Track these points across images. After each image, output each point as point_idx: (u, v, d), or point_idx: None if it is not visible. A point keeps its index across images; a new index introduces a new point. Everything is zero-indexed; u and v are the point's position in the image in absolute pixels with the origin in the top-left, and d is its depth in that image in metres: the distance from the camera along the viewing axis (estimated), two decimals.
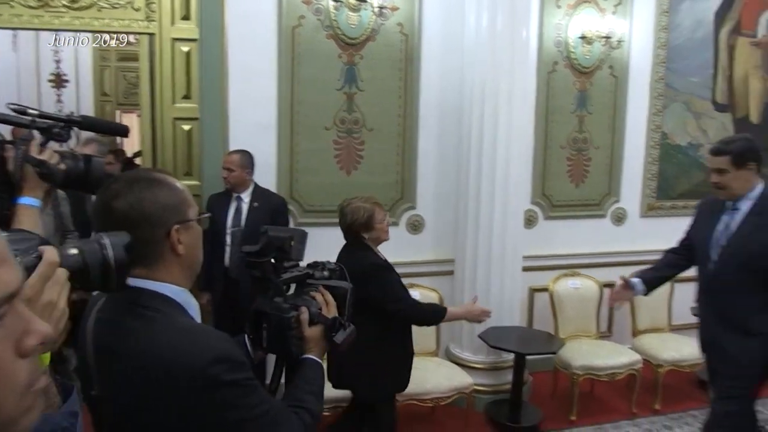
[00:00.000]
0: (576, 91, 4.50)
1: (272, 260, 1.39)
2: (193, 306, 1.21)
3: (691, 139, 4.92)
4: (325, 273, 1.52)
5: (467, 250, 3.92)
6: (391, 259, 3.62)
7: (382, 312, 2.74)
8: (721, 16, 4.89)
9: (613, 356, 3.93)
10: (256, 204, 3.59)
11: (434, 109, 4.12)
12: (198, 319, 1.22)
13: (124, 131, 1.77)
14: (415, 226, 4.19)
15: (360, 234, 2.84)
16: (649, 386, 4.04)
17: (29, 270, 0.73)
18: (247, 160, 3.59)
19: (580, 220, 4.59)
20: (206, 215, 1.28)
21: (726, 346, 2.66)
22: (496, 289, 3.88)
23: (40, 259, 0.75)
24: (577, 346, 4.03)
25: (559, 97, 4.45)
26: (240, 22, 3.70)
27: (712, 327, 2.76)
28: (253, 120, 3.78)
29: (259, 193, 3.64)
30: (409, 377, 2.96)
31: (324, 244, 4.08)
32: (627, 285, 2.94)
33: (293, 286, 1.47)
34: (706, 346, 2.85)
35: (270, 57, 3.78)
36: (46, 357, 0.73)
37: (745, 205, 2.64)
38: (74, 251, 0.85)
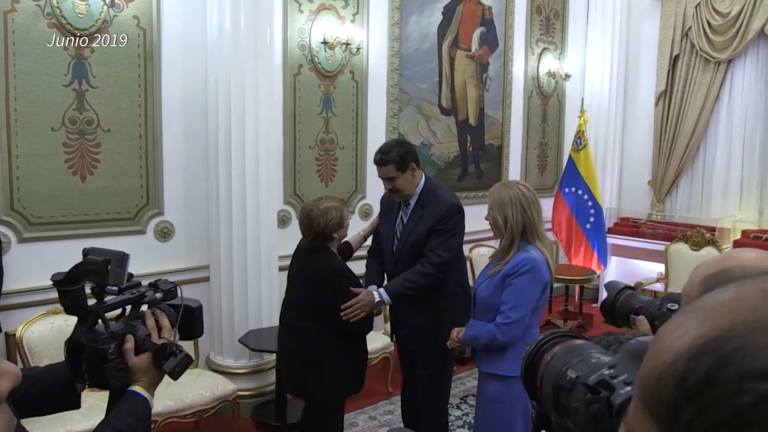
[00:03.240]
0: (321, 94, 4.71)
1: (93, 285, 1.29)
2: None
3: (423, 140, 5.50)
4: (158, 295, 1.41)
5: (221, 255, 3.86)
6: (138, 270, 3.40)
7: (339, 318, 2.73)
8: (442, 30, 5.56)
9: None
10: None
11: (179, 108, 3.96)
12: None
13: None
14: (164, 233, 3.98)
15: (332, 235, 2.76)
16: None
17: None
18: None
19: None
20: None
21: (412, 323, 3.00)
22: (253, 292, 3.89)
23: None
24: None
25: (305, 99, 4.62)
26: None
27: (400, 310, 3.07)
28: None
29: None
30: (364, 378, 2.97)
31: (58, 260, 3.68)
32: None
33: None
34: (398, 331, 3.17)
35: None
36: None
37: (413, 200, 3.00)
38: None
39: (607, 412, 0.59)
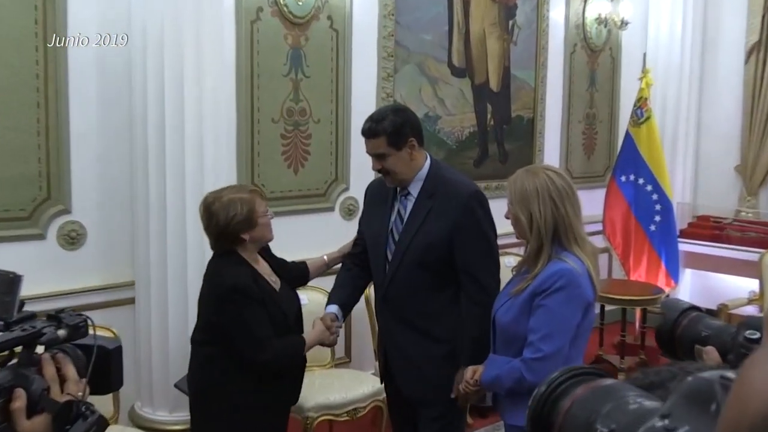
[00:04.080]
0: (288, 48, 4.67)
1: None
2: None
3: (428, 110, 5.47)
4: (61, 332, 1.36)
5: (152, 268, 3.83)
6: (36, 290, 3.38)
7: None
8: None
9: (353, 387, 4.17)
10: None
11: (92, 68, 3.94)
12: None
13: None
14: (72, 239, 3.94)
15: (240, 236, 2.78)
16: None
17: None
18: None
19: (303, 215, 4.79)
20: None
21: (414, 359, 2.98)
22: (194, 319, 3.83)
23: None
24: (308, 380, 4.19)
25: (267, 55, 4.58)
26: None
27: (396, 340, 3.07)
28: None
29: None
30: (285, 428, 3.06)
31: None
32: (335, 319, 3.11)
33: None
34: (390, 369, 3.15)
35: None
36: None
37: (415, 189, 2.97)
38: None
39: None
